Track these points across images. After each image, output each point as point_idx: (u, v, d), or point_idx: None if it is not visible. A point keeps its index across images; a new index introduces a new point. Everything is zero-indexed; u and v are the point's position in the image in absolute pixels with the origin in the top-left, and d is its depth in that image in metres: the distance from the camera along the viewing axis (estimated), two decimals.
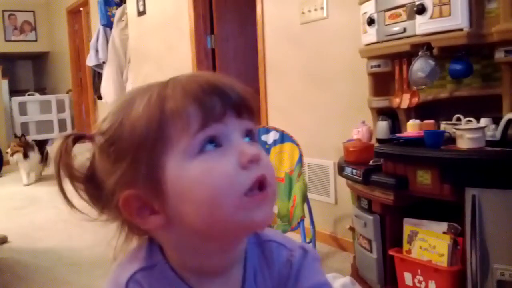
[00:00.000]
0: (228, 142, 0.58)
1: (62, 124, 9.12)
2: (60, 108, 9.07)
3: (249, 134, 0.62)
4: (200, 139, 0.57)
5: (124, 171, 0.59)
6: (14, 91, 9.09)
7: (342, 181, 2.58)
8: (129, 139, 0.59)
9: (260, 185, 0.58)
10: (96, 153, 0.63)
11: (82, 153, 0.66)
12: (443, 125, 1.97)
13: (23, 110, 8.82)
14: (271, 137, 2.90)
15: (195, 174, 0.57)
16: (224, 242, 0.63)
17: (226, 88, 0.60)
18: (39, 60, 10.17)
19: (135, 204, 0.60)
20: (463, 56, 1.91)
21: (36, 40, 9.67)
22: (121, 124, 0.60)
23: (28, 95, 9.18)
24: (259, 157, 0.59)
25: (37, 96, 9.21)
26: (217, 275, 0.67)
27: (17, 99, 8.79)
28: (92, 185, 0.64)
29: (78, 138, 0.65)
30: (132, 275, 0.64)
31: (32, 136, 8.86)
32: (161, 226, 0.61)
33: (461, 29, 1.80)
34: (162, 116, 0.57)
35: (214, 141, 0.58)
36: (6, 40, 9.36)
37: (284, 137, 2.85)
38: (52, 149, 0.64)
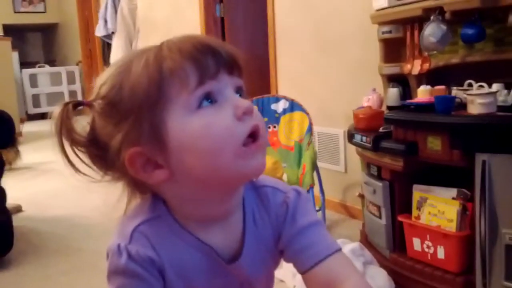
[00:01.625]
0: (223, 97, 0.64)
1: (73, 95, 9.15)
2: (71, 79, 9.09)
3: (239, 90, 0.68)
4: (198, 95, 0.62)
5: (127, 131, 0.63)
6: (24, 63, 9.12)
7: (352, 149, 2.57)
8: (130, 100, 0.63)
9: (254, 134, 0.64)
10: (96, 117, 0.67)
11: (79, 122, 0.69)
12: (454, 91, 1.95)
13: (33, 82, 8.86)
14: (280, 106, 2.89)
15: (196, 127, 0.62)
16: (224, 190, 0.69)
17: (218, 47, 0.65)
18: (48, 32, 10.16)
19: (140, 161, 0.64)
20: (476, 20, 1.87)
21: (45, 11, 9.64)
22: (121, 87, 0.64)
23: (38, 67, 9.21)
24: (252, 109, 0.65)
25: (47, 68, 9.24)
26: (219, 222, 0.72)
27: (27, 71, 8.82)
28: (94, 148, 0.67)
29: (77, 105, 0.68)
30: (136, 226, 0.69)
31: (43, 108, 8.96)
32: (166, 179, 0.65)
33: None
34: (161, 75, 0.62)
35: (210, 97, 0.63)
36: (15, 12, 9.35)
37: (293, 106, 2.85)
38: (53, 117, 0.66)
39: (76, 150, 0.67)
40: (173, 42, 0.65)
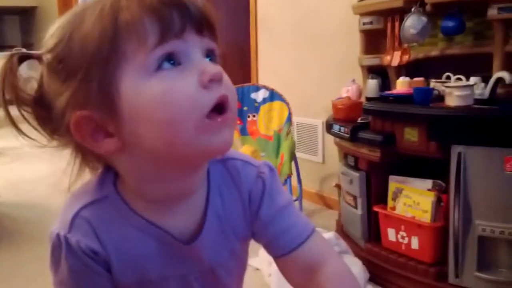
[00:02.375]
0: (188, 60, 0.55)
1: None
2: None
3: (210, 54, 0.59)
4: (158, 55, 0.53)
5: (74, 90, 0.54)
6: (1, 47, 8.92)
7: (330, 140, 2.58)
8: (79, 55, 0.54)
9: (222, 106, 0.55)
10: (44, 73, 0.59)
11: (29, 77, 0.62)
12: (433, 83, 1.96)
13: None
14: (260, 95, 2.88)
15: (153, 93, 0.53)
16: (183, 167, 0.60)
17: (186, 1, 0.55)
18: (26, 15, 9.95)
19: (88, 127, 0.56)
20: (456, 12, 1.88)
21: None
22: (70, 38, 0.55)
23: (15, 51, 9.02)
24: (221, 76, 0.56)
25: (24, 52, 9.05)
26: (179, 202, 0.64)
27: (3, 55, 8.63)
28: (41, 108, 0.59)
29: (24, 58, 0.61)
30: (78, 211, 0.62)
31: None
32: (117, 150, 0.57)
33: None
34: (116, 28, 0.52)
35: (173, 59, 0.54)
36: None
37: (273, 95, 2.84)
38: None
39: (21, 109, 0.59)
40: None
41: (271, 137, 2.81)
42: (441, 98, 1.84)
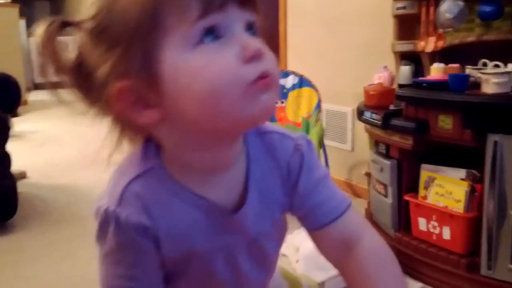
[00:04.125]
0: (230, 33, 0.55)
1: None
2: None
3: (252, 27, 0.58)
4: (200, 28, 0.53)
5: (117, 60, 0.55)
6: (32, 32, 9.06)
7: (359, 128, 2.54)
8: (122, 25, 0.54)
9: (257, 78, 0.54)
10: (84, 40, 0.58)
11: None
12: (469, 70, 1.91)
13: None
14: (289, 81, 2.85)
15: (194, 66, 0.53)
16: (224, 136, 0.60)
17: None
18: (56, 1, 10.07)
19: (129, 97, 0.56)
20: None
21: None
22: (112, 8, 0.55)
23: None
24: (262, 53, 0.55)
25: None
26: (220, 174, 0.64)
27: (35, 40, 8.75)
28: (81, 76, 0.59)
29: (64, 25, 0.60)
30: (127, 185, 0.61)
31: (51, 78, 8.92)
32: (157, 121, 0.57)
33: None
34: (157, 1, 0.53)
35: (214, 32, 0.54)
36: None
37: (302, 82, 2.81)
38: (36, 36, 0.59)
39: (60, 77, 0.59)
40: None
41: (299, 124, 2.79)
42: (477, 85, 1.78)
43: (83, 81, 0.59)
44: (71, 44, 0.60)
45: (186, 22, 0.53)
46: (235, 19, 0.55)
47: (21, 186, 2.84)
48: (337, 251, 0.69)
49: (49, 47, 0.58)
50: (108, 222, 0.60)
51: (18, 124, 4.47)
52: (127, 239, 0.60)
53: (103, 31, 0.56)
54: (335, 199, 0.70)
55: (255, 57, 0.54)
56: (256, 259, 0.71)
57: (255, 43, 0.55)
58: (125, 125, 0.62)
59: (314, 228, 0.69)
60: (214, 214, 0.64)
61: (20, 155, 3.46)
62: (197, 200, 0.63)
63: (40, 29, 0.58)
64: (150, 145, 0.63)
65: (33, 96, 7.38)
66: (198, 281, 0.68)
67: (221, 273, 0.67)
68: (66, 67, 0.59)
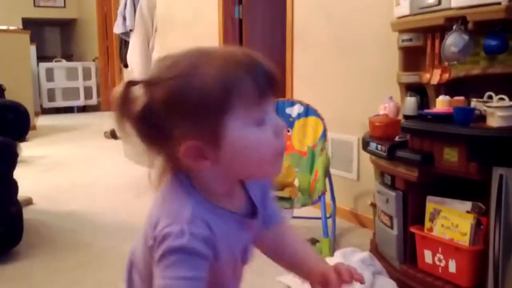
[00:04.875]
0: (269, 118, 0.78)
1: (88, 91, 9.22)
2: (86, 75, 9.15)
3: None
4: (256, 118, 0.76)
5: (192, 124, 0.74)
6: (42, 57, 9.20)
7: (365, 157, 2.55)
8: (199, 96, 0.73)
9: (281, 151, 0.81)
10: (156, 100, 0.75)
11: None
12: (474, 102, 1.92)
13: (50, 76, 8.93)
14: (295, 110, 2.87)
15: (250, 139, 0.76)
16: (247, 178, 0.86)
17: (275, 76, 0.77)
18: (66, 27, 10.24)
19: (194, 151, 0.76)
20: (499, 31, 1.84)
21: (64, 7, 9.72)
22: (192, 78, 0.73)
23: (55, 61, 9.27)
24: (285, 128, 0.81)
25: (64, 63, 9.30)
26: (234, 193, 0.86)
27: (44, 65, 8.89)
28: (145, 125, 0.77)
29: (135, 83, 0.78)
30: (192, 211, 0.77)
31: (58, 103, 9.02)
32: (209, 169, 0.78)
33: (499, 3, 1.73)
34: (232, 86, 0.73)
35: (263, 118, 0.77)
36: (35, 6, 9.43)
37: (308, 111, 2.83)
38: (115, 93, 0.77)
39: (126, 121, 0.77)
40: (241, 61, 0.75)
41: (305, 153, 2.80)
42: (482, 118, 1.79)
43: (147, 129, 0.77)
44: (140, 97, 0.77)
45: (248, 108, 0.75)
46: (271, 106, 0.79)
47: (27, 212, 2.84)
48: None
49: (126, 103, 0.76)
50: (183, 235, 0.74)
51: (26, 149, 4.50)
52: (198, 247, 0.75)
53: (180, 100, 0.74)
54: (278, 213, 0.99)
55: (282, 132, 0.79)
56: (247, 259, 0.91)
57: (282, 123, 0.80)
58: (172, 162, 0.81)
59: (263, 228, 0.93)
60: (242, 222, 0.85)
61: (27, 181, 3.49)
62: (230, 215, 0.82)
63: (119, 87, 0.77)
64: (182, 176, 0.81)
65: (41, 121, 7.44)
66: (226, 270, 0.84)
67: (238, 265, 0.88)
68: (133, 114, 0.76)
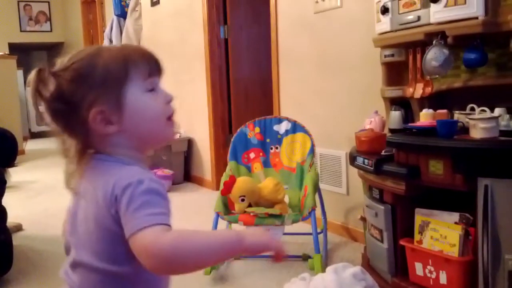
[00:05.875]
0: (158, 88, 0.96)
1: None
2: None
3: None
4: (148, 85, 0.93)
5: (96, 95, 0.88)
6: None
7: (354, 171, 2.57)
8: (103, 73, 0.89)
9: (172, 115, 0.97)
10: (65, 83, 0.88)
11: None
12: (457, 115, 1.95)
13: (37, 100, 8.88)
14: (283, 127, 2.89)
15: (147, 102, 0.93)
16: (152, 146, 1.04)
17: (159, 59, 0.97)
18: (54, 51, 10.24)
19: (101, 117, 0.89)
20: (478, 45, 1.88)
21: (51, 31, 9.74)
22: (94, 61, 0.89)
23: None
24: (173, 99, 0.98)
25: None
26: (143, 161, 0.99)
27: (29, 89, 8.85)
28: (60, 103, 0.88)
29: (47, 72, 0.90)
30: (139, 169, 0.91)
31: (46, 126, 8.97)
32: (115, 132, 0.91)
33: (476, 17, 1.77)
34: (128, 63, 0.91)
35: (153, 88, 0.95)
36: (21, 31, 9.44)
37: (296, 127, 2.85)
38: (29, 79, 0.89)
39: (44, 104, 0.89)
40: (134, 48, 0.99)
41: (294, 169, 2.81)
42: (465, 130, 1.82)
43: (62, 107, 0.89)
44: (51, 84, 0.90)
45: (142, 78, 0.93)
46: (158, 81, 0.97)
47: (16, 238, 2.83)
48: None
49: (40, 86, 0.88)
50: (142, 182, 0.86)
51: (14, 174, 4.48)
52: (162, 191, 0.88)
53: (86, 75, 0.89)
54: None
55: (170, 101, 0.97)
56: None
57: (170, 94, 0.97)
58: (89, 145, 0.92)
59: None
60: None
61: (17, 206, 3.47)
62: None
63: (32, 74, 0.88)
64: (103, 156, 0.93)
65: (30, 145, 7.40)
66: None
67: None
68: (47, 97, 0.89)
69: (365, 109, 2.61)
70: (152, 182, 0.86)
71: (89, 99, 0.88)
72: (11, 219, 2.78)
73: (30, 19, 9.55)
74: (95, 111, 0.88)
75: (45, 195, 4.53)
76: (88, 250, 0.91)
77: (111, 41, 5.66)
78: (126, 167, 0.91)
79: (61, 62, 0.91)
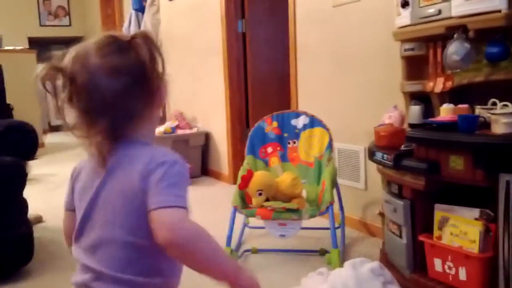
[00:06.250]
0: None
1: None
2: None
3: None
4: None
5: (141, 92, 1.01)
6: None
7: (372, 166, 2.55)
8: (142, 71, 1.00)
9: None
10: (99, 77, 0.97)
11: None
12: (478, 110, 1.92)
13: None
14: (301, 122, 2.89)
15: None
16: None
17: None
18: (73, 45, 10.31)
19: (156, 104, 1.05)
20: (500, 38, 1.85)
21: (70, 25, 9.82)
22: (86, 64, 1.00)
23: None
24: None
25: None
26: None
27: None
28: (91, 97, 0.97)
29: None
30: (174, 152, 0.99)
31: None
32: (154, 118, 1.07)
33: (499, 11, 1.74)
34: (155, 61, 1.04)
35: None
36: (40, 25, 9.54)
37: (314, 122, 2.84)
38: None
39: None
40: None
41: (312, 164, 2.81)
42: (487, 125, 1.80)
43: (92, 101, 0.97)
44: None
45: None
46: None
47: (37, 230, 2.86)
48: None
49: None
50: (181, 163, 0.95)
51: (34, 167, 4.54)
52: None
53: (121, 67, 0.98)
54: None
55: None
56: None
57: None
58: (117, 134, 0.98)
59: None
60: None
61: (37, 199, 3.51)
62: None
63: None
64: (134, 141, 1.00)
65: (49, 138, 7.49)
66: None
67: None
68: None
69: (383, 104, 2.59)
70: (183, 167, 0.94)
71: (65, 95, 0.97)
72: (32, 211, 2.81)
73: (49, 13, 9.64)
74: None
75: (65, 188, 4.57)
76: (117, 225, 0.94)
77: None
78: (158, 147, 1.00)
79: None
